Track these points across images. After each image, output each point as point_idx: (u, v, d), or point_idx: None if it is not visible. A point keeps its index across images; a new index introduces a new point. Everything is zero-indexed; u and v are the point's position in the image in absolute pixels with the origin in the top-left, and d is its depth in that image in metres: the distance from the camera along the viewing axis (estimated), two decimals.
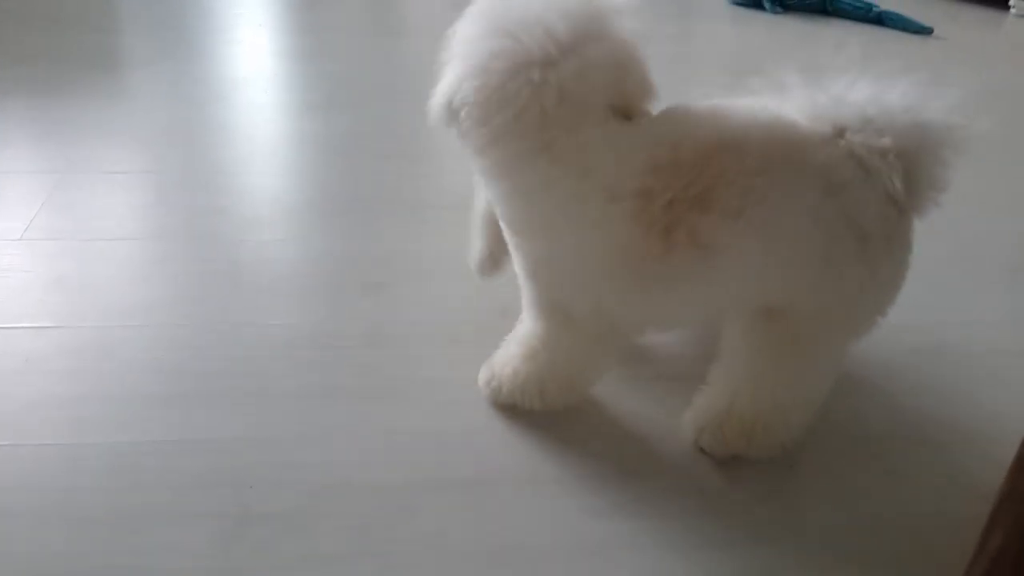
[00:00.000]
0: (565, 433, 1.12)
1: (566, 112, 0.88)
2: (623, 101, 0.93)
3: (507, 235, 1.03)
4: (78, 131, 1.76)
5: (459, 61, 0.94)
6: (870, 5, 2.54)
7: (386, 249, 1.47)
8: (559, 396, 1.12)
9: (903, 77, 0.94)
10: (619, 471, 1.06)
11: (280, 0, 2.57)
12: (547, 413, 1.13)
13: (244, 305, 1.31)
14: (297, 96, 2.00)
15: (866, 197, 0.90)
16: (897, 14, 2.52)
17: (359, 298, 1.34)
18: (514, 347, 1.12)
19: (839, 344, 1.03)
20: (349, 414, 1.13)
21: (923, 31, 2.50)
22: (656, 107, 0.97)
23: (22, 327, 1.24)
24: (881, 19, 2.53)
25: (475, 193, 1.14)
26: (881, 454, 1.13)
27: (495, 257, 1.18)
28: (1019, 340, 1.35)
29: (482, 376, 1.15)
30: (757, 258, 0.92)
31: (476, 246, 1.20)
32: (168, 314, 1.28)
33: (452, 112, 0.94)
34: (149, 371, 1.17)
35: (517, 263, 1.03)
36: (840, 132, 0.92)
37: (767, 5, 2.58)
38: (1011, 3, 2.67)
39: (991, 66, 2.43)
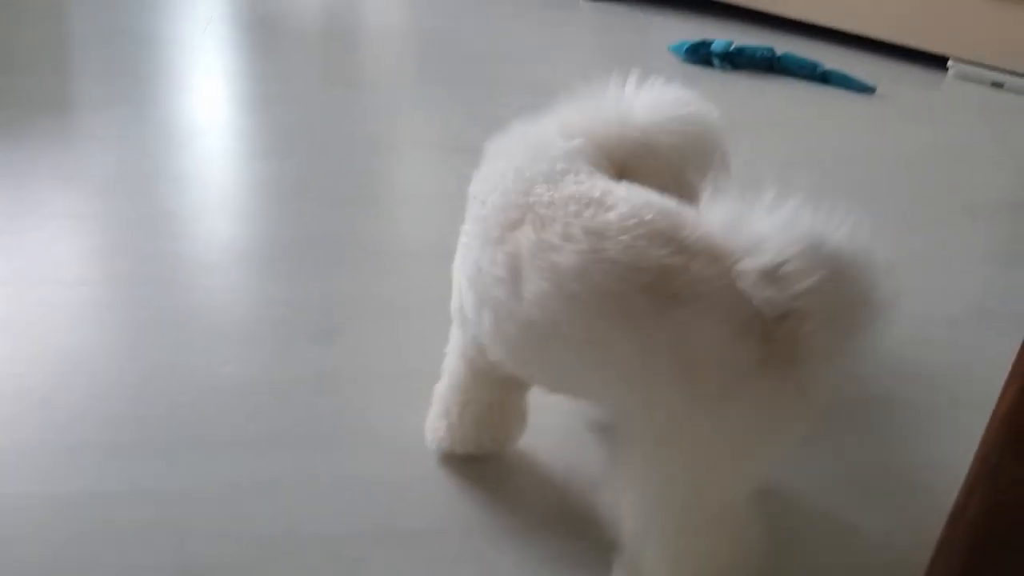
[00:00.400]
0: (517, 482, 1.12)
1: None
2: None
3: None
4: (26, 174, 1.73)
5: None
6: (815, 64, 2.62)
7: (338, 294, 1.46)
8: (496, 438, 1.12)
9: (834, 207, 0.79)
10: (571, 520, 1.06)
11: (236, 48, 2.57)
12: (500, 461, 1.13)
13: (192, 351, 1.29)
14: (251, 143, 2.00)
15: (711, 332, 0.77)
16: (841, 73, 2.60)
17: (310, 344, 1.33)
18: (441, 390, 1.12)
19: (711, 478, 0.85)
20: (297, 462, 1.11)
21: (866, 90, 2.59)
22: None
23: None
24: (826, 77, 2.61)
25: None
26: (824, 503, 1.14)
27: None
28: (956, 391, 1.38)
29: (427, 431, 1.14)
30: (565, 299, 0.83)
31: None
32: (113, 360, 1.26)
33: None
34: (91, 419, 1.15)
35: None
36: (728, 256, 0.78)
37: (716, 63, 2.64)
38: (949, 64, 2.77)
39: (931, 124, 2.51)
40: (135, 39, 2.47)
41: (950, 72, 2.77)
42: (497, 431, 1.11)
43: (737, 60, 2.66)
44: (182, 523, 1.01)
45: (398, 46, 2.75)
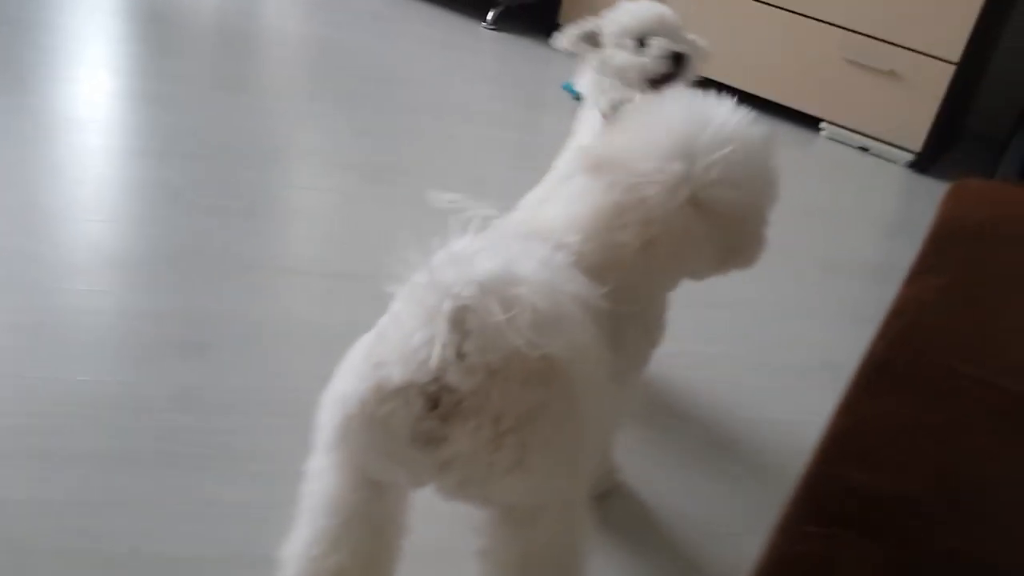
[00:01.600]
0: None
1: None
2: None
3: None
4: None
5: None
6: None
7: (209, 309, 1.44)
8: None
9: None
10: (433, 550, 1.08)
11: (125, 42, 2.50)
12: None
13: (50, 358, 1.25)
14: (131, 142, 1.95)
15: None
16: None
17: (176, 359, 1.31)
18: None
19: None
20: (150, 481, 1.09)
21: None
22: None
23: None
24: None
25: None
26: (669, 542, 1.19)
27: None
28: (803, 440, 1.47)
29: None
30: None
31: None
32: None
33: None
34: None
35: None
36: None
37: None
38: (821, 126, 2.93)
39: (800, 182, 2.65)
40: (18, 25, 2.37)
41: (822, 133, 2.94)
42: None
43: None
44: (24, 537, 0.98)
45: (294, 54, 2.74)
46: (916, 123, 2.78)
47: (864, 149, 2.87)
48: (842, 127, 2.90)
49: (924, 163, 2.80)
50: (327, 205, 1.86)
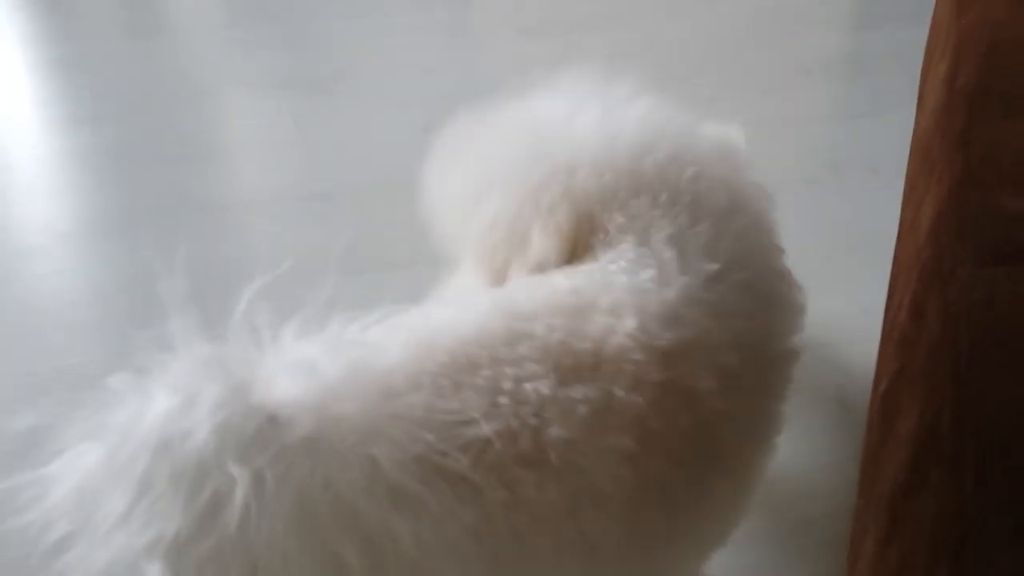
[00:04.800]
0: None
1: None
2: None
3: None
4: None
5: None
6: None
7: (188, 259, 1.34)
8: None
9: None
10: None
11: (18, 9, 2.32)
12: None
13: (29, 348, 1.17)
14: (55, 111, 1.80)
15: None
16: None
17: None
18: None
19: None
20: None
21: None
22: None
23: None
24: None
25: None
26: None
27: None
28: (826, 246, 1.39)
29: None
30: None
31: None
32: None
33: None
34: None
35: None
36: None
37: None
38: None
39: None
40: None
41: None
42: None
43: None
44: None
45: None
46: None
47: None
48: None
49: None
50: (278, 129, 1.74)
